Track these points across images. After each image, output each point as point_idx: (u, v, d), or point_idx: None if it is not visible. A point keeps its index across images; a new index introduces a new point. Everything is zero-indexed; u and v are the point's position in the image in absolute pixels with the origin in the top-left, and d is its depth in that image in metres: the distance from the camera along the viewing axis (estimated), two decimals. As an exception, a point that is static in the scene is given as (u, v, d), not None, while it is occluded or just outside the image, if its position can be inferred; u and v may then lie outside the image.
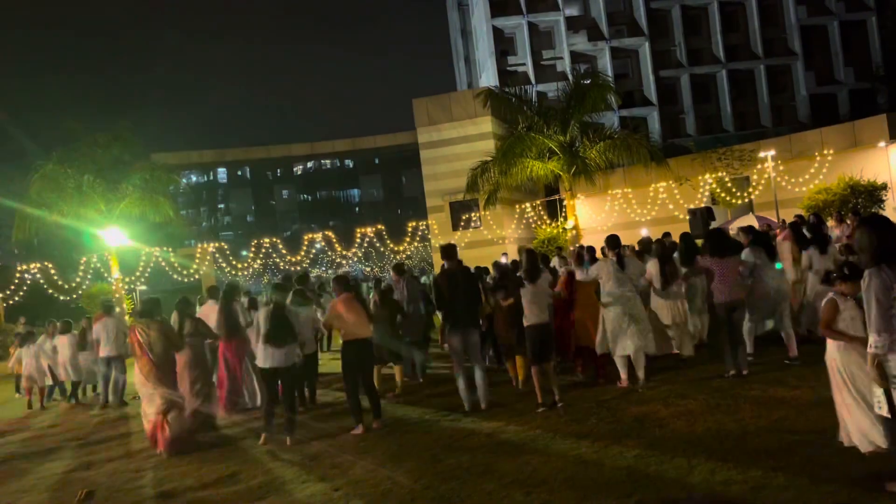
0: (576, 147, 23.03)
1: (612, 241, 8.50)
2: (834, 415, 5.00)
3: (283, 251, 32.52)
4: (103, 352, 11.57)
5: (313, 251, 36.65)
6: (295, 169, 70.65)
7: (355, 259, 39.31)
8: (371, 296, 10.95)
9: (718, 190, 27.31)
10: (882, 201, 23.03)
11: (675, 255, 9.96)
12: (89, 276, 26.19)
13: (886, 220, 4.24)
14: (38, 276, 24.92)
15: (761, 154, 26.41)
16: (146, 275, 27.23)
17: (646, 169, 23.90)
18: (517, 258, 13.00)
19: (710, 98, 48.83)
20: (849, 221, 14.83)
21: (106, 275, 25.47)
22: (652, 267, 9.54)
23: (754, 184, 27.03)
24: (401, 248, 34.20)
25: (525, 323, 7.83)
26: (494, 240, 28.98)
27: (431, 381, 10.39)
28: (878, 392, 4.14)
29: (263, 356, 7.62)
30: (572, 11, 48.89)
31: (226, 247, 32.62)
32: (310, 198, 70.67)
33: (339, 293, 8.01)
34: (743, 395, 7.06)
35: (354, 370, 7.78)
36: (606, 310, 8.20)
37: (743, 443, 5.58)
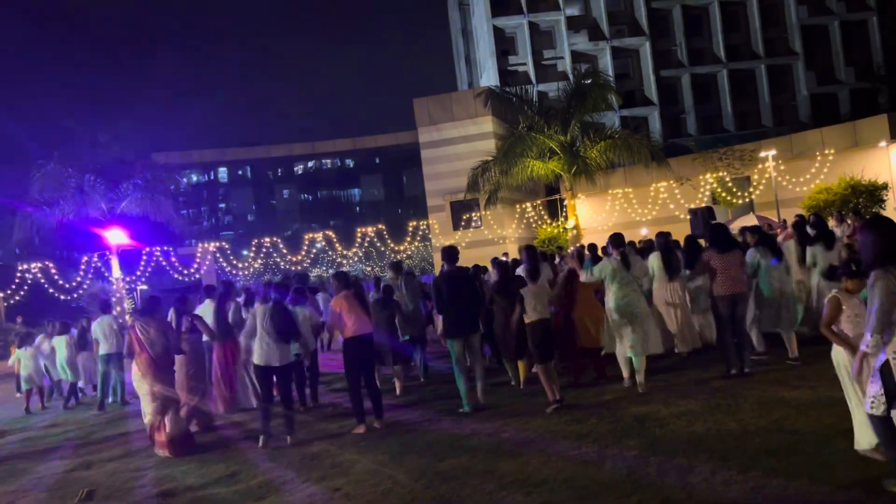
0: (576, 147, 23.05)
1: (616, 240, 8.37)
2: (834, 414, 5.00)
3: (284, 251, 32.52)
4: (101, 350, 11.53)
5: (314, 251, 36.68)
6: (296, 168, 70.69)
7: (356, 259, 39.31)
8: (371, 295, 10.91)
9: (719, 190, 27.31)
10: (883, 201, 23.02)
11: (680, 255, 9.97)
12: (90, 276, 26.19)
13: (890, 221, 4.22)
14: (39, 275, 24.92)
15: (762, 154, 26.40)
16: (147, 274, 27.22)
17: (646, 169, 23.94)
18: (517, 257, 12.96)
19: (710, 98, 48.80)
20: (849, 221, 14.84)
21: (107, 274, 25.48)
22: (655, 259, 9.54)
23: (755, 183, 27.02)
24: (401, 248, 34.20)
25: (527, 319, 7.83)
26: (495, 239, 28.98)
27: (432, 381, 10.40)
28: (873, 391, 4.12)
29: (259, 353, 7.56)
30: (573, 11, 48.87)
31: (227, 246, 32.63)
32: (310, 197, 70.70)
33: (339, 290, 7.99)
34: (743, 395, 7.05)
35: (357, 368, 7.76)
36: (610, 310, 8.16)
37: (743, 443, 5.58)
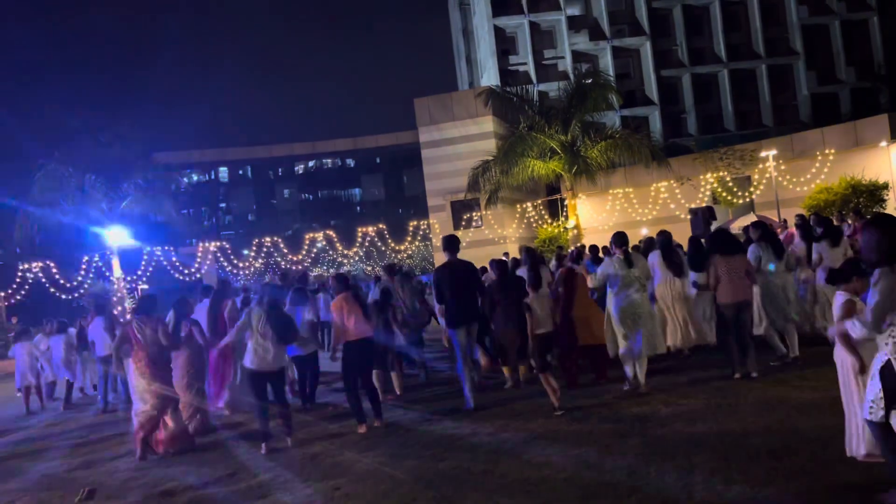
0: (577, 146, 23.06)
1: (620, 239, 8.27)
2: (836, 414, 4.99)
3: (285, 250, 32.54)
4: (99, 351, 11.46)
5: (314, 250, 36.66)
6: (296, 168, 70.72)
7: (356, 258, 39.31)
8: (370, 295, 10.89)
9: (720, 189, 27.30)
10: (883, 201, 23.03)
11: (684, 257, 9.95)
12: (91, 275, 26.21)
13: (893, 218, 4.19)
14: (40, 274, 24.93)
15: (763, 153, 26.39)
16: (148, 274, 27.23)
17: (647, 168, 23.96)
18: (517, 257, 12.94)
19: (711, 97, 48.78)
20: (850, 221, 14.84)
21: (108, 274, 25.49)
22: (656, 258, 9.49)
23: (756, 183, 27.01)
24: (402, 248, 34.20)
25: (536, 331, 7.79)
26: (496, 239, 28.98)
27: (432, 381, 10.40)
28: (872, 394, 4.08)
29: (253, 358, 7.35)
30: (574, 11, 48.85)
31: (227, 246, 32.63)
32: (311, 197, 70.73)
33: (339, 292, 7.99)
34: (744, 395, 7.05)
35: (356, 371, 7.78)
36: (613, 311, 8.11)
37: (744, 442, 5.58)
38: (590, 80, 23.60)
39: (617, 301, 7.96)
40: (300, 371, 9.70)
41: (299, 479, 6.15)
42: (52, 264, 25.13)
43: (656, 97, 47.86)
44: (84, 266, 25.84)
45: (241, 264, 32.59)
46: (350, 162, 70.86)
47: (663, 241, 9.70)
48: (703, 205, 26.14)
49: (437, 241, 30.80)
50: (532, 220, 29.11)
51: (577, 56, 47.46)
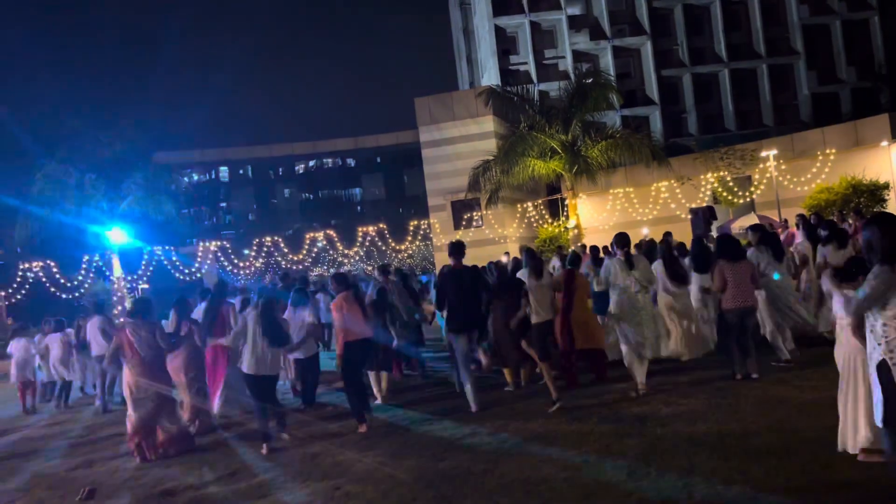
0: (578, 146, 23.05)
1: (621, 240, 8.26)
2: (836, 414, 4.99)
3: (285, 250, 32.56)
4: (95, 350, 11.40)
5: (315, 250, 36.67)
6: (297, 167, 70.74)
7: (357, 258, 39.32)
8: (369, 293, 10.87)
9: (720, 189, 27.28)
10: (884, 201, 23.01)
11: (687, 260, 9.92)
12: (91, 275, 26.22)
13: (894, 218, 4.18)
14: (41, 274, 24.95)
15: (763, 153, 26.38)
16: (148, 273, 27.25)
17: (647, 168, 23.94)
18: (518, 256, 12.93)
19: (712, 97, 48.76)
20: (851, 221, 14.83)
21: (108, 273, 25.50)
22: (658, 267, 9.46)
23: (756, 183, 27.00)
24: (402, 248, 34.21)
25: (532, 321, 7.80)
26: (496, 239, 28.97)
27: (432, 381, 10.39)
28: (877, 396, 4.06)
29: (249, 362, 7.28)
30: (574, 10, 48.84)
31: (228, 245, 32.64)
32: (312, 196, 70.75)
33: (339, 291, 7.98)
34: (744, 395, 7.05)
35: (356, 370, 7.79)
36: (614, 314, 8.08)
37: (744, 442, 5.58)
38: (590, 80, 23.59)
39: (619, 302, 7.94)
40: (301, 373, 9.68)
41: (299, 478, 6.15)
42: (52, 264, 25.16)
43: (657, 97, 47.85)
44: (84, 266, 25.86)
45: (241, 264, 32.60)
46: (350, 161, 70.87)
47: (665, 251, 9.67)
48: (704, 204, 26.15)
49: (437, 241, 30.81)
50: (532, 219, 29.11)
51: (578, 56, 47.45)
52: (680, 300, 9.47)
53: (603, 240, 15.81)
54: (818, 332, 9.11)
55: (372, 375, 9.08)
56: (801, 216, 14.64)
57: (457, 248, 8.16)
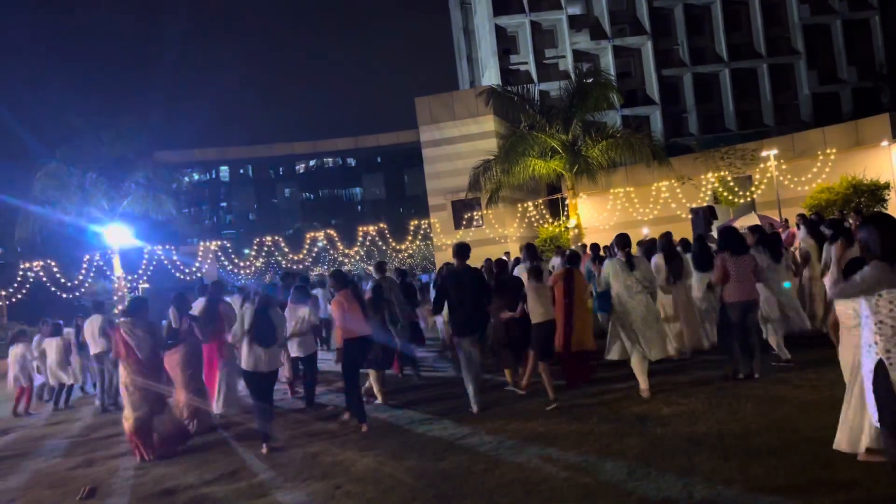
0: (578, 146, 23.04)
1: (622, 240, 8.20)
2: (836, 414, 4.99)
3: (286, 249, 32.57)
4: (93, 349, 11.34)
5: (315, 249, 36.70)
6: (297, 167, 70.77)
7: (357, 258, 39.33)
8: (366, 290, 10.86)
9: (721, 189, 27.27)
10: (885, 200, 22.99)
11: (688, 255, 9.91)
12: (92, 274, 26.24)
13: (892, 218, 4.19)
14: (41, 273, 24.97)
15: (764, 153, 26.36)
16: (149, 273, 27.27)
17: (648, 168, 23.92)
18: (519, 256, 12.91)
19: (712, 97, 48.76)
20: (851, 221, 14.83)
21: (108, 273, 25.51)
22: (658, 260, 9.43)
23: (757, 183, 26.99)
24: (403, 247, 34.22)
25: (533, 321, 7.79)
26: (496, 239, 28.98)
27: (432, 381, 10.40)
28: (871, 399, 4.06)
29: (247, 359, 7.28)
30: (575, 10, 48.84)
31: (228, 245, 32.67)
32: (312, 196, 70.77)
33: (338, 289, 7.97)
34: (745, 395, 7.05)
35: (356, 368, 7.79)
36: (615, 315, 8.01)
37: (745, 442, 5.58)
38: (591, 80, 23.58)
39: (620, 303, 7.87)
40: (310, 369, 9.67)
41: (300, 478, 6.15)
42: (53, 263, 25.17)
43: (657, 96, 47.85)
44: (85, 265, 25.88)
45: (241, 263, 32.62)
46: (351, 161, 70.88)
47: (665, 244, 9.65)
48: (705, 204, 26.16)
49: (437, 241, 30.81)
50: (533, 219, 29.10)
51: (578, 55, 47.46)
52: (682, 296, 9.44)
53: (603, 239, 15.84)
54: (817, 331, 9.12)
55: (372, 374, 9.07)
56: (801, 216, 14.64)
57: (462, 251, 8.10)
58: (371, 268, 10.84)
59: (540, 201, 29.77)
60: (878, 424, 4.05)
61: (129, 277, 25.86)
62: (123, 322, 7.80)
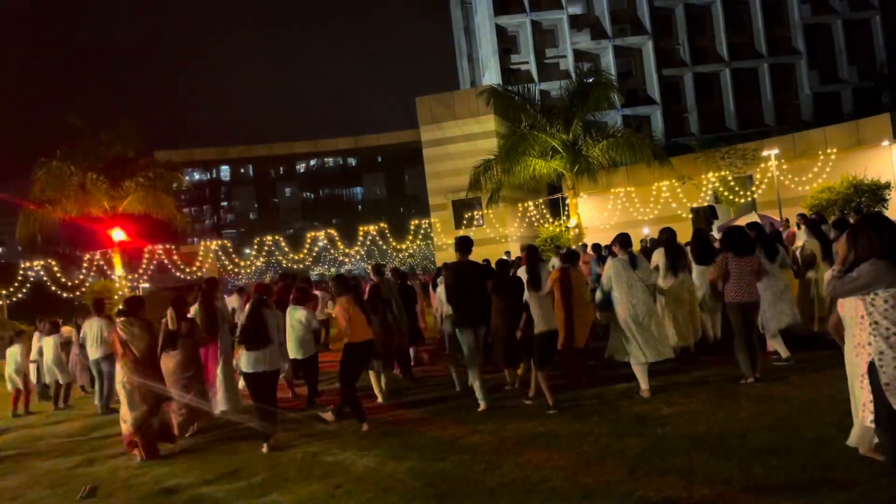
0: (579, 145, 23.06)
1: (623, 240, 8.17)
2: (836, 413, 4.99)
3: (286, 249, 32.57)
4: (90, 352, 11.17)
5: (316, 249, 36.71)
6: (298, 167, 70.80)
7: (358, 257, 39.34)
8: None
9: (721, 189, 27.26)
10: (885, 200, 22.98)
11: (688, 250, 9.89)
12: (92, 274, 26.25)
13: (887, 218, 4.20)
14: (42, 273, 24.99)
15: (764, 153, 26.35)
16: (149, 272, 27.28)
17: (649, 167, 23.92)
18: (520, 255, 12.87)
19: (713, 96, 48.76)
20: (852, 221, 14.83)
21: (109, 272, 25.52)
22: (658, 256, 9.38)
23: (757, 182, 26.98)
24: (403, 247, 34.22)
25: (535, 330, 7.75)
26: (497, 238, 28.99)
27: (432, 381, 10.39)
28: (866, 399, 4.06)
29: (247, 360, 7.27)
30: (576, 10, 48.85)
31: (229, 244, 32.67)
32: (312, 196, 70.82)
33: (340, 294, 7.96)
34: (745, 394, 7.05)
35: (356, 372, 7.79)
36: (621, 316, 7.99)
37: (745, 441, 5.57)
38: (591, 79, 23.61)
39: (621, 304, 7.82)
40: (311, 368, 9.66)
41: (300, 477, 6.15)
42: (53, 262, 25.19)
43: (658, 96, 47.85)
44: (86, 264, 25.89)
45: (242, 263, 32.63)
46: (351, 161, 70.91)
47: (668, 239, 9.61)
48: (705, 204, 26.17)
49: (438, 240, 30.82)
50: (533, 219, 29.11)
51: (579, 55, 47.47)
52: (675, 289, 9.39)
53: (604, 239, 15.81)
54: (818, 332, 9.11)
55: (372, 375, 9.07)
56: (801, 215, 14.63)
57: (464, 244, 8.08)
58: (370, 269, 10.79)
59: (540, 201, 29.78)
60: (871, 424, 4.05)
61: (130, 277, 25.87)
62: (120, 321, 7.77)
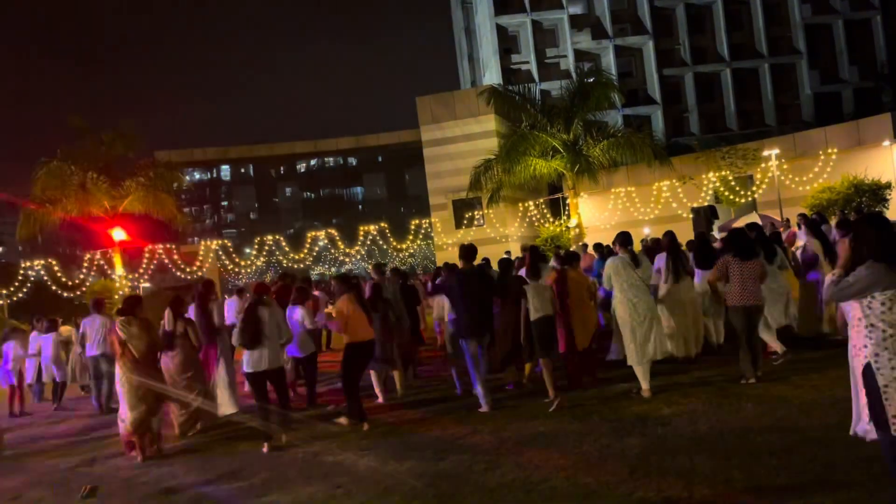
0: (579, 145, 23.07)
1: (624, 239, 8.15)
2: (837, 413, 4.98)
3: (287, 249, 32.55)
4: (89, 350, 11.13)
5: (316, 249, 36.69)
6: (298, 166, 70.79)
7: (358, 257, 39.33)
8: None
9: (722, 189, 27.26)
10: (886, 200, 22.97)
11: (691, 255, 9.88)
12: (93, 273, 26.25)
13: (887, 219, 4.19)
14: (42, 272, 24.99)
15: (765, 153, 26.35)
16: (149, 272, 27.28)
17: (649, 167, 23.94)
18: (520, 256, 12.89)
19: (713, 97, 48.76)
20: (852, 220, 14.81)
21: (109, 272, 25.53)
22: (661, 260, 9.37)
23: (758, 182, 26.98)
24: (404, 247, 34.20)
25: (531, 318, 7.79)
26: (497, 238, 28.98)
27: (433, 381, 10.39)
28: (864, 400, 4.05)
29: (247, 360, 7.31)
30: (576, 9, 48.85)
31: (229, 244, 32.67)
32: (313, 195, 70.79)
33: (342, 293, 7.95)
34: (745, 394, 7.04)
35: (357, 371, 7.78)
36: (616, 316, 7.98)
37: (745, 441, 5.57)
38: (592, 79, 23.61)
39: (622, 303, 7.79)
40: (310, 368, 9.65)
41: (300, 477, 6.15)
42: (54, 262, 25.19)
43: (658, 96, 47.85)
44: (86, 264, 25.89)
45: (242, 263, 32.63)
46: (352, 160, 70.90)
47: (670, 243, 9.60)
48: (706, 204, 26.16)
49: (438, 240, 30.82)
50: (534, 218, 29.11)
51: (580, 55, 47.46)
52: (677, 294, 9.37)
53: (604, 239, 15.81)
54: (827, 332, 9.10)
55: (374, 375, 9.06)
56: (802, 216, 14.62)
57: (468, 253, 8.02)
58: (370, 268, 10.78)
59: (541, 201, 29.78)
60: (868, 426, 4.05)
61: (130, 276, 25.88)
62: (119, 319, 7.77)
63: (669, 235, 9.67)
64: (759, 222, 14.11)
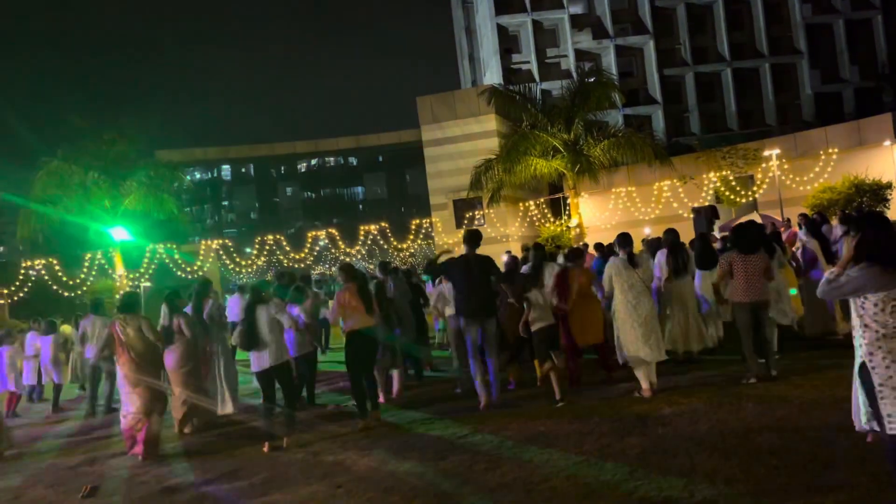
0: (580, 145, 23.06)
1: (624, 240, 8.13)
2: (837, 413, 4.98)
3: (287, 248, 32.53)
4: (88, 350, 11.12)
5: (317, 248, 36.68)
6: (299, 166, 70.72)
7: (359, 257, 39.30)
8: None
9: (723, 188, 27.26)
10: (887, 200, 22.99)
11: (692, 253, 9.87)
12: (94, 273, 26.26)
13: (886, 219, 4.20)
14: (43, 272, 24.99)
15: (766, 152, 26.36)
16: (150, 271, 27.29)
17: (650, 167, 23.95)
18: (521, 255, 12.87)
19: (714, 96, 48.74)
20: (855, 220, 14.79)
21: (110, 271, 25.54)
22: (662, 256, 9.35)
23: (759, 182, 26.98)
24: (404, 246, 34.19)
25: (533, 328, 7.75)
26: (498, 238, 28.97)
27: (433, 381, 10.40)
28: (860, 399, 4.05)
29: (253, 360, 7.40)
30: (577, 9, 48.83)
31: (230, 243, 32.67)
32: (314, 195, 70.73)
33: (345, 282, 7.92)
34: (746, 394, 7.04)
35: (359, 361, 7.70)
36: (616, 316, 7.97)
37: (746, 441, 5.57)
38: (593, 79, 23.61)
39: (622, 303, 7.76)
40: (298, 371, 9.64)
41: (301, 477, 6.15)
42: (54, 261, 25.19)
43: (659, 96, 47.84)
44: (87, 263, 25.89)
45: (243, 262, 32.63)
46: (352, 160, 70.82)
47: (672, 241, 9.58)
48: (706, 204, 26.16)
49: (439, 240, 30.81)
50: (534, 218, 29.10)
51: (580, 54, 47.46)
52: (678, 290, 9.36)
53: (605, 239, 15.81)
54: (836, 331, 9.10)
55: (376, 373, 9.04)
56: (802, 215, 14.62)
57: (472, 238, 8.03)
58: (371, 267, 10.81)
59: (541, 200, 29.77)
60: (867, 426, 4.07)
61: (131, 276, 25.89)
62: (118, 318, 7.77)
63: (672, 233, 9.65)
64: (755, 221, 14.10)
